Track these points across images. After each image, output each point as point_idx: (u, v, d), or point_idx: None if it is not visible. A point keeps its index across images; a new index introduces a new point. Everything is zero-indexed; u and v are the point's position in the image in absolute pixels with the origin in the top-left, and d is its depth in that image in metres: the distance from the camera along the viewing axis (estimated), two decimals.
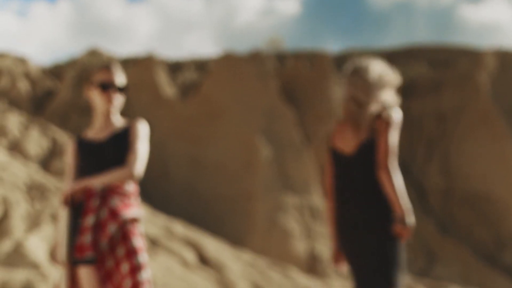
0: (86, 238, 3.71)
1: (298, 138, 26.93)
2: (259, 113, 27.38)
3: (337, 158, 3.69)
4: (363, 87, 3.67)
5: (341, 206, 3.64)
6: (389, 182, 3.44)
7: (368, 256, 3.52)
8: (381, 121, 3.60)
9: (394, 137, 3.63)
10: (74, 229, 3.82)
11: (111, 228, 3.76)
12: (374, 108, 3.64)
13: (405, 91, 39.30)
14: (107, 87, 4.02)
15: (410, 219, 3.37)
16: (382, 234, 3.47)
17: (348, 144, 3.66)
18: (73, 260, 3.79)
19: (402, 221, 3.36)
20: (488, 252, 29.36)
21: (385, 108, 3.68)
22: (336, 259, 3.70)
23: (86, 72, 35.95)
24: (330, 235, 3.73)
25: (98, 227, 3.78)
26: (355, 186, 3.61)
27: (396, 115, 3.69)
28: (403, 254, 3.58)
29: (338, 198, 3.67)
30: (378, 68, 3.79)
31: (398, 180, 3.46)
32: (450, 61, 50.67)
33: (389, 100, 3.76)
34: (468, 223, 30.36)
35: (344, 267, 3.66)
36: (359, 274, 3.58)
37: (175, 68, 49.14)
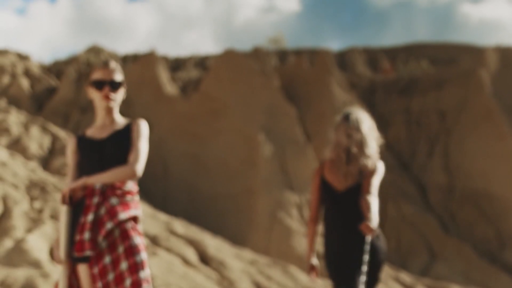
0: (85, 236, 3.70)
1: (300, 136, 26.90)
2: (260, 110, 27.35)
3: (329, 191, 4.38)
4: (358, 141, 4.34)
5: (332, 232, 4.39)
6: (365, 201, 4.16)
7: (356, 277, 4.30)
8: (370, 171, 4.30)
9: (377, 182, 4.31)
10: (74, 227, 3.81)
11: (108, 226, 3.75)
12: (363, 161, 4.33)
13: (406, 89, 39.29)
14: (102, 85, 4.00)
15: (375, 223, 4.13)
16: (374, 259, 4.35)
17: (339, 183, 4.34)
18: (73, 258, 3.79)
19: (368, 222, 4.10)
20: (490, 250, 29.34)
21: (373, 160, 4.37)
22: (310, 270, 4.47)
23: (87, 69, 35.94)
24: (307, 251, 4.52)
25: (96, 224, 3.77)
26: (345, 219, 4.34)
27: (382, 167, 4.45)
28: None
29: (329, 226, 4.42)
30: (368, 121, 4.50)
31: (372, 200, 4.20)
32: (451, 58, 50.64)
33: (375, 152, 4.43)
34: (469, 221, 30.34)
35: (317, 279, 4.45)
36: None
37: (176, 65, 49.12)
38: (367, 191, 4.20)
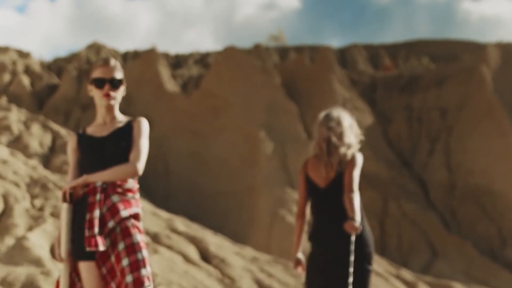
0: (95, 231, 3.71)
1: (301, 133, 26.89)
2: (261, 107, 27.34)
3: (312, 188, 4.62)
4: (338, 133, 4.59)
5: (318, 225, 4.63)
6: (348, 200, 4.39)
7: (342, 276, 4.49)
8: (350, 162, 4.54)
9: (357, 174, 4.55)
10: (75, 225, 3.80)
11: (110, 225, 3.76)
12: (343, 151, 4.56)
13: (407, 86, 39.25)
14: (102, 83, 4.00)
15: (357, 220, 4.36)
16: (359, 253, 4.54)
17: (321, 178, 4.58)
18: (78, 255, 3.79)
19: (352, 220, 4.33)
20: (491, 247, 29.33)
21: (352, 151, 4.62)
22: (296, 264, 4.71)
23: (87, 67, 35.91)
24: (294, 246, 4.75)
25: (100, 222, 3.78)
26: (328, 212, 4.58)
27: (360, 158, 4.65)
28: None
29: (314, 220, 4.65)
30: (349, 118, 4.76)
31: (355, 197, 4.44)
32: (452, 55, 50.55)
33: (354, 143, 4.68)
34: (470, 219, 30.32)
35: (302, 271, 4.70)
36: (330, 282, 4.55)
37: (177, 62, 49.06)
38: (349, 189, 4.42)
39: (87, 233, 3.71)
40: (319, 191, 4.58)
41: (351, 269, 4.44)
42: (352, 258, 4.44)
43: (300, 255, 4.73)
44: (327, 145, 4.55)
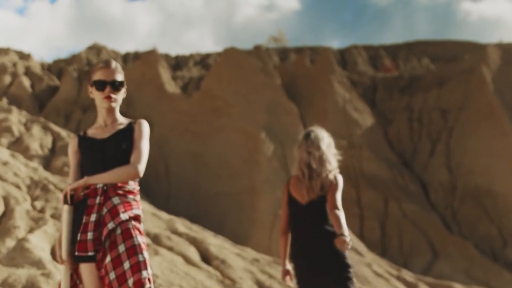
0: (88, 236, 3.71)
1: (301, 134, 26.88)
2: (261, 108, 27.34)
3: (295, 204, 4.87)
4: (317, 157, 4.81)
5: (299, 243, 4.85)
6: (335, 216, 4.66)
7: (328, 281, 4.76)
8: (331, 185, 4.81)
9: (339, 194, 4.83)
10: (76, 226, 3.81)
11: (109, 226, 3.76)
12: (324, 175, 4.80)
13: (408, 87, 39.25)
14: (104, 85, 4.00)
15: (347, 236, 4.54)
16: (336, 261, 4.79)
17: (302, 197, 4.83)
18: (76, 258, 3.79)
19: (341, 236, 4.52)
20: (492, 248, 29.32)
21: (333, 174, 4.87)
22: (285, 275, 4.96)
23: (88, 68, 35.92)
24: (281, 259, 5.00)
25: (99, 225, 3.78)
26: (309, 229, 4.82)
27: (341, 180, 4.94)
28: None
29: (295, 235, 4.88)
30: (327, 139, 4.97)
31: (340, 214, 4.72)
32: (452, 56, 50.52)
33: (334, 167, 4.91)
34: (471, 219, 30.32)
35: (291, 280, 4.97)
36: None
37: (177, 63, 49.02)
38: (334, 206, 4.73)
39: (79, 237, 3.72)
40: (301, 207, 4.85)
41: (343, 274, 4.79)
42: (351, 274, 4.82)
43: (288, 266, 4.99)
44: (308, 170, 4.81)
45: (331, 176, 4.87)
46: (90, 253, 3.71)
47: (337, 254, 4.77)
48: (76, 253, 3.72)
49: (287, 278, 5.00)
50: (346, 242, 4.50)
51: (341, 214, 4.76)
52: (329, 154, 4.94)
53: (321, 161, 4.84)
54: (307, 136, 4.97)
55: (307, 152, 4.87)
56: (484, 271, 26.94)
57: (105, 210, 3.78)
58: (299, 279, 4.90)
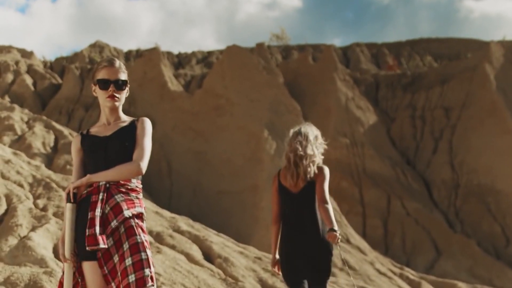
0: (96, 229, 3.72)
1: None
2: (264, 106, 27.31)
3: (285, 193, 5.19)
4: (304, 146, 5.18)
5: (289, 228, 5.17)
6: (325, 211, 4.97)
7: (315, 267, 5.14)
8: (318, 174, 5.14)
9: (326, 185, 5.12)
10: (79, 224, 3.80)
11: (112, 224, 3.76)
12: (306, 161, 5.14)
13: (410, 85, 39.18)
14: (107, 84, 4.00)
15: (336, 229, 4.87)
16: (323, 246, 5.12)
17: (292, 185, 5.16)
18: (82, 255, 3.79)
19: (332, 230, 4.85)
20: (495, 246, 29.29)
21: (319, 163, 5.23)
22: (274, 264, 5.32)
23: (90, 66, 35.92)
24: (272, 248, 5.32)
25: (103, 222, 3.78)
26: (300, 216, 5.15)
27: (327, 170, 5.23)
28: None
29: (287, 223, 5.19)
30: (314, 131, 5.35)
31: (330, 208, 5.01)
32: (455, 54, 50.41)
33: (318, 154, 5.26)
34: (474, 217, 30.28)
35: (279, 270, 5.29)
36: (301, 277, 5.15)
37: (179, 61, 48.99)
38: (323, 200, 5.04)
39: (87, 232, 3.72)
40: (292, 196, 5.18)
41: (328, 278, 5.20)
42: (330, 265, 5.22)
43: (277, 256, 5.33)
44: (294, 156, 5.19)
45: (315, 163, 5.23)
46: (101, 246, 3.71)
47: (324, 242, 5.11)
48: (87, 248, 3.71)
49: (276, 267, 5.36)
50: (337, 237, 4.85)
51: (330, 207, 5.04)
52: (315, 143, 5.31)
53: (306, 149, 5.19)
54: (297, 129, 5.37)
55: (295, 141, 5.25)
56: (487, 269, 26.92)
57: (107, 208, 3.79)
58: (283, 262, 5.23)
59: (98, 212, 3.76)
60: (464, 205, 30.83)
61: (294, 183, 5.19)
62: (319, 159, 5.29)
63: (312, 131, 5.38)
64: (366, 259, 20.85)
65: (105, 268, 3.76)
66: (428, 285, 18.79)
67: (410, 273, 20.80)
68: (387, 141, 34.79)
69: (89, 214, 3.77)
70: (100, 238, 3.70)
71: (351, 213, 29.43)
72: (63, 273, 3.87)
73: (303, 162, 5.17)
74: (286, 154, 5.31)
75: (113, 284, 3.75)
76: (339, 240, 4.89)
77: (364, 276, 18.55)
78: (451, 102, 35.62)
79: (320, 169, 5.23)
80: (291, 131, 5.42)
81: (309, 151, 5.20)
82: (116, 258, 3.75)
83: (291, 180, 5.19)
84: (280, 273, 5.32)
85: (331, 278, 5.96)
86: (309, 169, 5.18)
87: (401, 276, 19.91)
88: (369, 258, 21.07)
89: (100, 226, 3.75)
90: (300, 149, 5.20)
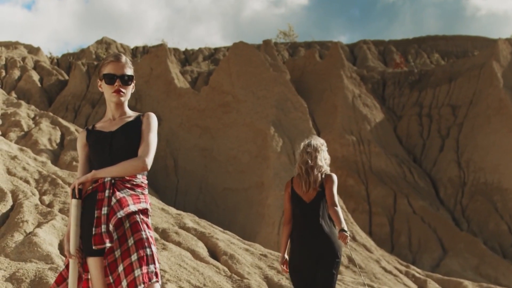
0: (102, 229, 3.72)
1: (310, 129, 26.83)
2: (271, 103, 27.28)
3: (297, 200, 5.78)
4: (314, 157, 5.85)
5: (300, 233, 5.71)
6: (334, 213, 5.52)
7: (321, 270, 5.60)
8: (327, 180, 5.75)
9: (335, 189, 5.71)
10: (84, 220, 3.80)
11: (119, 214, 3.76)
12: (316, 171, 5.79)
13: (417, 82, 39.09)
14: (113, 79, 3.99)
15: (346, 230, 5.36)
16: (331, 253, 5.62)
17: (304, 194, 5.76)
18: (87, 251, 3.79)
19: (342, 231, 5.34)
20: (501, 244, 29.21)
21: (327, 171, 5.85)
22: (283, 263, 5.84)
23: (96, 62, 35.95)
24: (281, 248, 5.87)
25: (108, 217, 3.78)
26: (309, 222, 5.70)
27: (335, 177, 5.83)
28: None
29: (297, 227, 5.75)
30: (322, 146, 5.98)
31: (339, 210, 5.56)
32: (462, 51, 50.23)
33: (326, 165, 5.90)
34: (480, 216, 30.21)
35: (287, 269, 5.81)
36: (308, 280, 5.67)
37: (186, 58, 48.96)
38: (333, 203, 5.61)
39: (94, 231, 3.71)
40: (303, 203, 5.77)
41: (334, 271, 5.65)
42: (336, 272, 5.67)
43: (287, 256, 5.87)
44: (305, 166, 5.83)
45: (324, 172, 5.87)
46: (108, 244, 3.71)
47: (331, 245, 5.63)
48: (94, 247, 3.72)
49: (285, 266, 5.87)
50: (348, 236, 5.34)
51: (339, 210, 5.59)
52: (322, 155, 5.95)
53: (316, 158, 5.85)
54: (308, 142, 6.02)
55: (306, 153, 5.90)
56: (493, 267, 26.84)
57: (114, 200, 3.78)
58: (291, 263, 5.75)
59: (104, 210, 3.75)
60: (471, 203, 30.75)
61: (306, 190, 5.78)
62: (326, 167, 5.92)
63: (320, 144, 6.01)
64: (372, 257, 20.82)
65: (105, 260, 3.76)
66: (434, 283, 18.74)
67: (416, 271, 20.76)
68: (394, 139, 34.72)
69: (95, 213, 3.76)
70: (105, 236, 3.70)
71: (357, 211, 29.39)
72: (65, 266, 3.87)
73: (314, 171, 5.80)
74: (298, 165, 5.90)
75: (110, 277, 3.75)
76: (348, 240, 5.35)
77: (370, 274, 18.53)
78: (458, 100, 35.52)
79: (328, 176, 5.81)
80: (302, 144, 6.05)
81: (319, 162, 5.84)
82: (118, 253, 3.74)
83: (304, 188, 5.78)
84: (288, 271, 5.84)
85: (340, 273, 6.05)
86: (319, 178, 5.80)
87: (407, 274, 19.87)
88: (375, 256, 21.03)
89: (107, 223, 3.75)
90: (310, 161, 5.84)
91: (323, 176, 5.84)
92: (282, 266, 5.92)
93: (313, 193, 5.78)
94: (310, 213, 5.74)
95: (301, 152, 5.99)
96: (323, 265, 5.62)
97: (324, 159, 5.96)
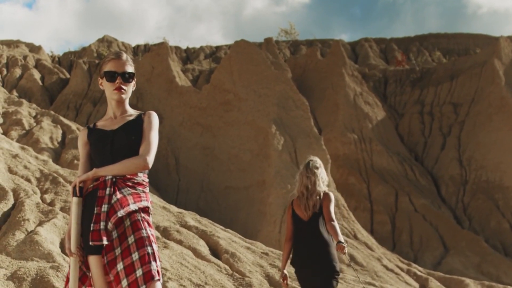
0: (101, 226, 3.72)
1: (312, 127, 26.81)
2: (272, 101, 27.26)
3: (298, 220, 6.22)
4: (313, 181, 6.23)
5: (300, 247, 6.15)
6: (332, 228, 5.95)
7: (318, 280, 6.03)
8: (325, 199, 6.17)
9: (332, 207, 6.14)
10: (85, 218, 3.80)
11: (119, 213, 3.76)
12: (315, 196, 6.17)
13: (419, 80, 39.05)
14: (114, 76, 3.98)
15: (343, 241, 5.74)
16: (329, 267, 6.02)
17: (303, 214, 6.18)
18: (86, 249, 3.79)
19: (340, 243, 5.72)
20: (503, 242, 29.19)
21: (325, 191, 6.24)
22: (284, 278, 6.24)
23: (98, 61, 35.94)
24: (282, 263, 6.31)
25: (108, 214, 3.78)
26: (309, 238, 6.13)
27: (332, 195, 6.26)
28: None
29: (297, 242, 6.18)
30: (321, 168, 6.36)
31: (336, 225, 5.99)
32: (464, 49, 50.19)
33: (325, 187, 6.28)
34: (482, 214, 30.18)
35: (287, 285, 6.26)
36: None
37: (187, 56, 48.96)
38: (330, 219, 6.03)
39: (92, 227, 3.71)
40: (303, 222, 6.17)
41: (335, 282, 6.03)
42: (334, 273, 6.02)
43: (286, 271, 6.29)
44: (306, 191, 6.22)
45: (322, 194, 6.23)
46: (104, 241, 3.70)
47: (329, 259, 6.02)
48: (90, 243, 3.71)
49: (285, 282, 6.27)
50: (345, 248, 5.73)
51: (336, 224, 6.02)
52: (321, 178, 6.32)
53: (315, 184, 6.23)
54: (307, 164, 6.37)
55: (305, 176, 6.28)
56: (495, 265, 26.82)
57: (114, 198, 3.78)
58: (299, 276, 6.13)
59: (104, 208, 3.75)
60: (472, 201, 30.73)
61: (306, 214, 6.18)
62: (324, 188, 6.31)
63: (318, 166, 6.38)
64: (373, 255, 20.81)
65: (105, 258, 3.76)
66: (436, 281, 18.74)
67: (417, 269, 20.75)
68: (395, 137, 34.70)
69: (95, 209, 3.76)
70: (103, 233, 3.70)
71: (359, 209, 29.38)
72: (69, 266, 3.87)
73: (313, 197, 6.20)
74: (298, 189, 6.31)
75: (110, 275, 3.75)
76: (345, 251, 5.74)
77: (371, 272, 18.52)
78: (460, 98, 35.49)
79: (325, 195, 6.23)
80: (301, 167, 6.45)
81: (317, 188, 6.23)
82: (118, 251, 3.74)
83: (304, 211, 6.18)
84: (287, 285, 6.32)
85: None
86: (317, 202, 6.20)
87: (408, 272, 19.86)
88: (376, 254, 21.02)
89: (106, 220, 3.75)
90: (309, 186, 6.23)
91: (321, 197, 6.25)
92: (282, 281, 6.33)
93: (311, 213, 6.24)
94: (309, 230, 6.19)
95: (300, 175, 6.37)
96: (323, 279, 6.02)
97: (322, 182, 6.34)
